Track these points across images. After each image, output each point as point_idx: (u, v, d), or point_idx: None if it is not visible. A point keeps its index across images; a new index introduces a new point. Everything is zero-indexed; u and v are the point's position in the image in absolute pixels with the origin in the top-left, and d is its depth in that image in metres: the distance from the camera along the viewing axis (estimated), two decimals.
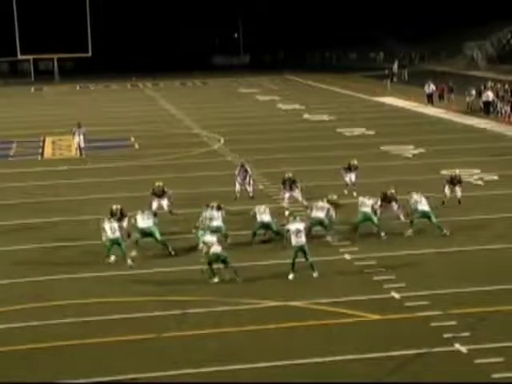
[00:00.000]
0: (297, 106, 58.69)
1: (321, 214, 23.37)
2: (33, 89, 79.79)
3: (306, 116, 53.40)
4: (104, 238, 22.18)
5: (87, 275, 21.27)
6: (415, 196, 24.52)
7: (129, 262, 21.62)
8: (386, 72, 72.93)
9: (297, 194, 27.71)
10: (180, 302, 19.13)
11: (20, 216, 27.84)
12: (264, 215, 23.62)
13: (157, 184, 27.52)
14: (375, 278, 20.37)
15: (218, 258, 20.38)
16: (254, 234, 23.73)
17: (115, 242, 21.97)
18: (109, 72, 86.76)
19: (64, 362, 16.04)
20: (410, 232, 24.17)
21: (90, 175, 35.09)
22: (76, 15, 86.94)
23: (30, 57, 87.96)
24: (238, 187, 29.49)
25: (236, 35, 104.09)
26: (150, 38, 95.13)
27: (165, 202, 27.31)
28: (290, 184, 27.77)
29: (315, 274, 20.53)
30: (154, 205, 27.02)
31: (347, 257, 22.31)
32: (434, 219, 24.20)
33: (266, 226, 23.67)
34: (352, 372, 15.19)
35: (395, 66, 77.68)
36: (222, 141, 43.42)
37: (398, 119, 50.40)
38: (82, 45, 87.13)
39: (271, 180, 31.91)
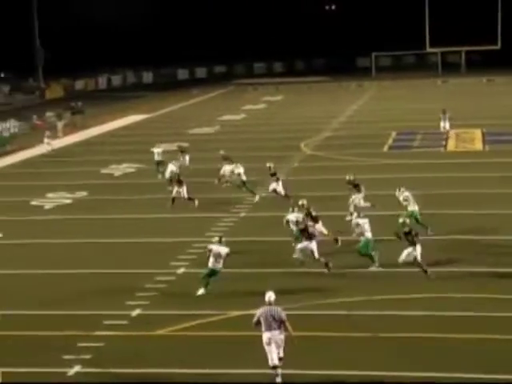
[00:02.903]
0: None
1: None
2: (439, 81, 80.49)
3: None
4: None
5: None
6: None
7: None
8: None
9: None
10: None
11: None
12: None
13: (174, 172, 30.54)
14: None
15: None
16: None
17: None
18: None
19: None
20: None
21: (493, 170, 34.69)
22: (487, 7, 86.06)
23: (438, 50, 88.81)
24: None
25: None
26: None
27: (183, 190, 29.42)
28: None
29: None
30: (174, 192, 29.46)
31: None
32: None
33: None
34: None
35: None
36: None
37: None
38: (491, 37, 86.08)
39: None
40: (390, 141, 44.66)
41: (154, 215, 29.04)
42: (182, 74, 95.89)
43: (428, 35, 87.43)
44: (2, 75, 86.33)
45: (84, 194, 33.57)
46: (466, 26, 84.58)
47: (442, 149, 41.79)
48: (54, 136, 48.12)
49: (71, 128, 54.46)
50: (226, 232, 26.25)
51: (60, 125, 52.01)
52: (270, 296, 15.56)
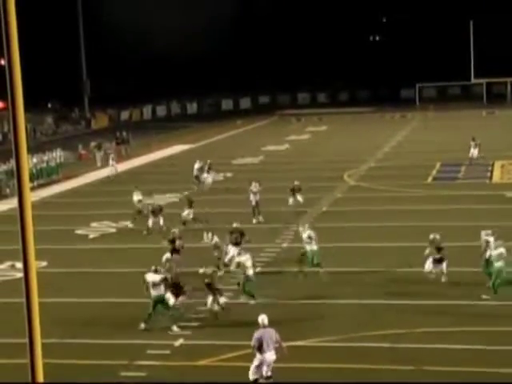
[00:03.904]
0: None
1: None
2: (484, 112, 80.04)
3: None
4: None
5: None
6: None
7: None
8: None
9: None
10: None
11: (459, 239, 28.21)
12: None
13: (156, 204, 32.16)
14: None
15: None
16: None
17: None
18: None
19: None
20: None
21: None
22: None
23: (483, 80, 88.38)
24: None
25: None
26: None
27: (160, 220, 31.25)
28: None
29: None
30: (150, 222, 31.15)
31: None
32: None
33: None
34: None
35: None
36: None
37: None
38: None
39: None
40: (435, 172, 44.43)
41: (196, 245, 29.13)
42: (226, 104, 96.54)
43: (473, 66, 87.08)
44: (49, 105, 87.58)
45: (128, 223, 33.81)
46: (511, 56, 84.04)
47: (487, 180, 41.48)
48: (118, 160, 50.54)
49: (116, 158, 54.90)
50: (266, 263, 26.32)
51: (99, 155, 52.86)
52: (264, 319, 16.50)
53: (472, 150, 45.89)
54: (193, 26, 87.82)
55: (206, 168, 42.19)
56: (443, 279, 23.18)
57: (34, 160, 46.36)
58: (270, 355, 16.15)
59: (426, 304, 21.59)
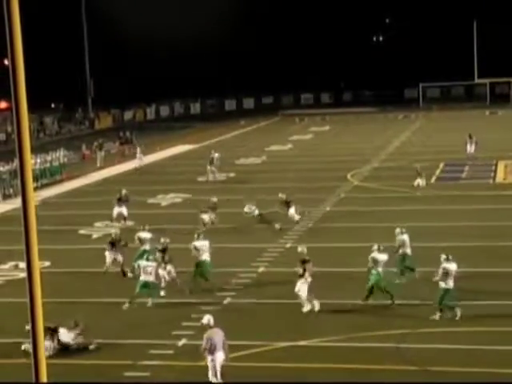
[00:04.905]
0: None
1: None
2: (487, 112, 79.98)
3: None
4: None
5: None
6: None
7: None
8: None
9: None
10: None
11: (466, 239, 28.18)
12: None
13: (123, 192, 33.33)
14: None
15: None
16: None
17: None
18: None
19: None
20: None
21: None
22: None
23: (487, 81, 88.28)
24: None
25: None
26: None
27: (124, 210, 32.61)
28: None
29: None
30: (115, 211, 32.72)
31: None
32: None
33: None
34: None
35: None
36: None
37: None
38: None
39: None
40: (438, 172, 44.41)
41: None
42: (230, 104, 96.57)
43: (476, 66, 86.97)
44: (52, 106, 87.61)
45: (130, 223, 33.79)
46: None
47: (490, 180, 41.46)
48: (122, 160, 52.84)
49: (120, 158, 55.06)
50: (270, 262, 26.32)
51: (100, 155, 52.98)
52: (210, 319, 16.67)
53: (468, 147, 46.22)
54: (196, 26, 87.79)
55: (209, 161, 44.32)
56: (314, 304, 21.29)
57: (38, 160, 46.37)
58: (220, 355, 16.29)
59: (430, 304, 21.55)
